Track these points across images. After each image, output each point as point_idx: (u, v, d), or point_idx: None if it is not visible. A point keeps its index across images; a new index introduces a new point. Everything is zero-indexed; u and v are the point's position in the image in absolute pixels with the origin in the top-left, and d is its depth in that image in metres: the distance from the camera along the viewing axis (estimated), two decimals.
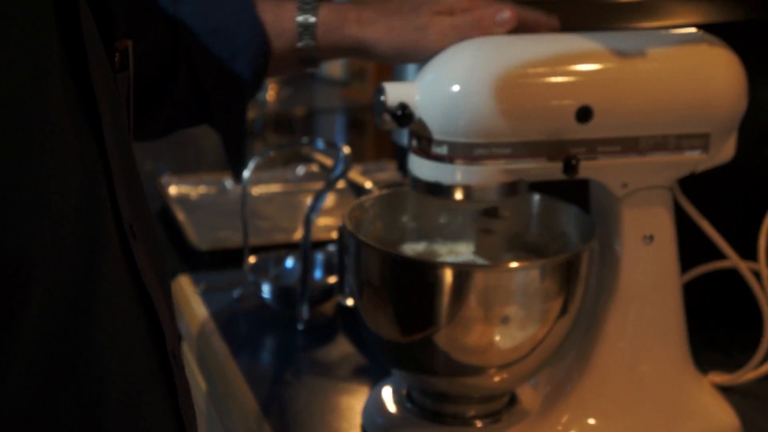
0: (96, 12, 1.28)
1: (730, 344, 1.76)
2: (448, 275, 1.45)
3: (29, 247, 1.11)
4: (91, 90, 1.16)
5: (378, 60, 1.83)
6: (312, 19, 1.64)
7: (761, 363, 1.63)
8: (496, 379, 1.53)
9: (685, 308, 1.61)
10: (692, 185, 1.58)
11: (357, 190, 2.00)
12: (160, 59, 1.68)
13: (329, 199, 2.23)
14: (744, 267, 1.59)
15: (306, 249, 1.85)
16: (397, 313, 1.50)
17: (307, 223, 1.83)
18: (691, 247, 1.61)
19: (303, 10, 1.65)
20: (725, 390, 1.61)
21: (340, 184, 2.06)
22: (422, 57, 1.55)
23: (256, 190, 2.41)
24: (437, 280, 1.46)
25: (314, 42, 1.64)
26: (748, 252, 1.63)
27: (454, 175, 1.48)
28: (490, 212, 1.62)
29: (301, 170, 2.47)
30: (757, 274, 1.59)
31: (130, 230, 1.22)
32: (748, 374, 1.63)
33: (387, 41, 1.62)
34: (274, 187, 2.48)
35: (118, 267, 1.22)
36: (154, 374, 1.31)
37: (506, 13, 1.56)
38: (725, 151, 1.53)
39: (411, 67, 1.85)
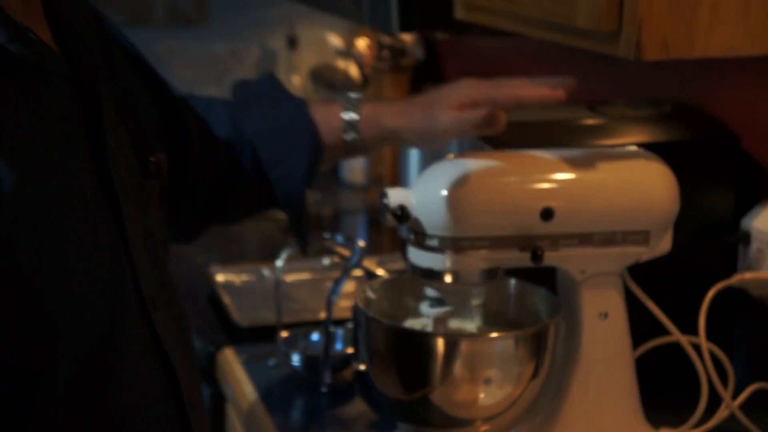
0: (131, 130, 1.47)
1: (677, 405, 1.78)
2: (440, 344, 1.53)
3: (59, 317, 1.26)
4: (115, 192, 1.32)
5: (407, 145, 1.96)
6: (355, 117, 1.75)
7: (699, 422, 1.70)
8: (482, 429, 1.60)
9: (638, 375, 1.67)
10: (641, 272, 1.65)
11: (370, 276, 2.10)
12: (229, 159, 1.77)
13: (348, 285, 2.24)
14: (685, 341, 1.66)
15: (328, 325, 1.94)
16: (400, 375, 1.58)
17: (329, 304, 1.92)
18: (644, 322, 1.67)
19: (347, 109, 1.76)
20: None
21: (357, 272, 2.14)
22: (434, 143, 1.72)
23: (289, 277, 2.45)
24: (431, 348, 1.54)
25: (358, 135, 1.74)
26: (690, 328, 1.68)
27: (444, 262, 1.57)
28: (479, 296, 1.73)
29: (326, 261, 2.50)
30: (697, 347, 1.66)
31: (151, 302, 1.37)
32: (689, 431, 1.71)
33: (410, 130, 1.73)
34: (304, 275, 2.53)
35: (140, 332, 1.36)
36: (171, 420, 1.46)
37: (502, 119, 1.62)
38: (663, 244, 1.62)
39: (413, 174, 2.00)
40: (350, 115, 1.77)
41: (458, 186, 1.60)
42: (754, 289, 1.90)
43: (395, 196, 1.61)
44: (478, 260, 1.61)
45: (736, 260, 1.86)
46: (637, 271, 1.67)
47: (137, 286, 1.37)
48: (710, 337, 1.69)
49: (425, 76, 3.19)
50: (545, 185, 1.61)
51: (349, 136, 1.75)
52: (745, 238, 1.85)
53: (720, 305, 1.67)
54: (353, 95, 2.14)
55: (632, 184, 1.63)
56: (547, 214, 1.56)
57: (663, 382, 1.82)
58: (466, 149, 1.93)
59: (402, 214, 1.59)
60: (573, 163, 1.63)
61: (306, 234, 1.83)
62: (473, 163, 1.64)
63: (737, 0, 1.48)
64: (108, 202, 1.35)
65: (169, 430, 1.50)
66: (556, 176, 1.62)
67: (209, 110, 1.80)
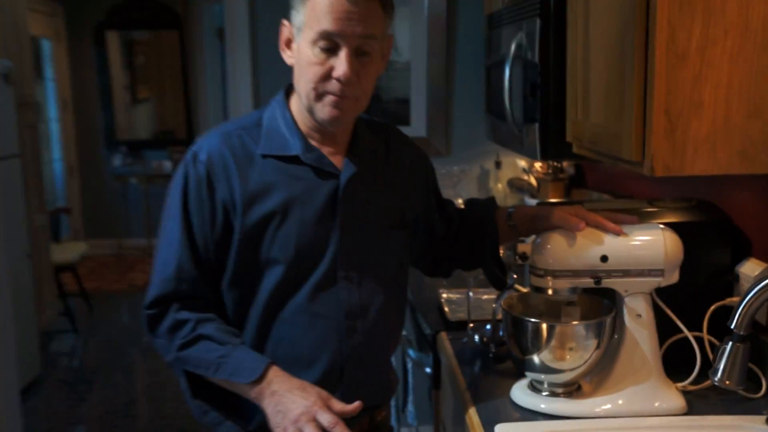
0: (388, 204, 1.81)
1: (682, 373, 1.89)
2: (545, 327, 1.81)
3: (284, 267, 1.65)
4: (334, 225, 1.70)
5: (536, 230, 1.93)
6: (512, 211, 1.94)
7: (694, 381, 1.85)
8: (569, 375, 1.84)
9: (662, 356, 1.86)
10: (664, 291, 1.85)
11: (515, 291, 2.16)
12: (460, 237, 2.00)
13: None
14: (691, 336, 1.85)
15: (495, 320, 2.14)
16: (524, 345, 1.84)
17: (495, 310, 2.11)
18: (667, 321, 1.86)
19: (510, 211, 1.95)
20: (684, 392, 1.86)
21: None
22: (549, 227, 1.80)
23: (476, 295, 2.49)
24: (540, 330, 1.81)
25: (513, 222, 1.93)
26: (697, 328, 1.87)
27: (547, 284, 1.84)
28: (570, 303, 1.92)
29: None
30: (700, 340, 1.85)
31: (348, 280, 1.69)
32: (687, 386, 1.86)
33: (537, 221, 1.87)
34: (483, 294, 2.59)
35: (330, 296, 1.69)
36: (332, 343, 1.70)
37: (583, 228, 1.77)
38: (673, 277, 1.82)
39: None
40: (510, 211, 1.97)
41: (556, 243, 1.84)
42: None
43: (521, 247, 1.91)
44: (566, 283, 1.85)
45: (731, 290, 1.97)
46: (670, 293, 1.85)
47: (332, 268, 1.67)
48: (710, 333, 1.86)
49: (575, 184, 3.26)
50: (605, 243, 1.81)
51: (510, 223, 1.94)
52: (737, 277, 1.98)
53: (719, 316, 1.77)
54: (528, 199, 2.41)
55: (654, 245, 1.81)
56: (604, 258, 1.80)
57: (675, 361, 1.91)
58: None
59: (525, 257, 1.89)
60: (624, 233, 1.83)
61: (502, 283, 2.00)
62: (565, 233, 1.84)
63: (708, 144, 1.64)
64: (330, 231, 1.68)
65: (327, 355, 1.71)
66: (612, 239, 1.81)
67: (453, 209, 2.04)
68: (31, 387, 4.67)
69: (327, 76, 1.54)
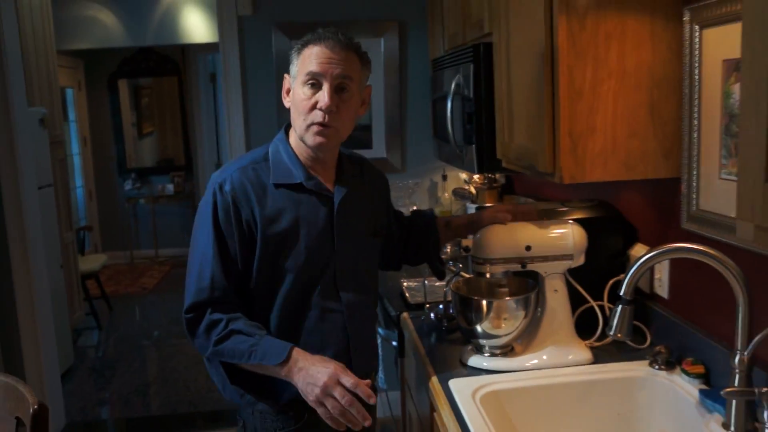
0: (368, 218, 1.82)
1: (588, 333, 1.93)
2: (484, 303, 1.84)
3: (298, 272, 1.65)
4: (333, 236, 1.70)
5: (471, 229, 1.98)
6: (449, 219, 2.02)
7: (598, 338, 1.91)
8: (504, 340, 1.86)
9: (575, 321, 1.89)
10: (582, 272, 1.91)
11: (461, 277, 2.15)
12: (408, 240, 2.03)
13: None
14: (595, 305, 1.92)
15: (446, 302, 2.18)
16: (468, 318, 1.87)
17: (446, 293, 2.13)
18: (577, 294, 1.92)
19: (448, 220, 2.03)
20: (591, 347, 1.89)
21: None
22: (478, 229, 1.87)
23: (430, 282, 2.55)
24: (481, 306, 1.85)
25: (450, 226, 2.01)
26: (599, 298, 1.93)
27: (485, 269, 1.89)
28: (502, 284, 1.96)
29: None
30: (602, 308, 1.91)
31: (341, 282, 1.70)
32: (593, 342, 1.90)
33: (471, 223, 1.97)
34: (435, 281, 2.49)
35: (329, 290, 1.69)
36: (338, 335, 1.72)
37: (508, 219, 1.89)
38: (580, 260, 1.87)
39: None
40: (447, 220, 2.03)
41: (490, 236, 1.88)
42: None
43: (464, 242, 1.94)
44: (499, 268, 1.89)
45: (624, 268, 1.96)
46: (579, 272, 1.91)
47: (333, 272, 1.69)
48: (609, 302, 1.91)
49: (506, 191, 3.27)
50: (528, 235, 1.87)
51: (449, 229, 2.01)
52: (627, 258, 2.02)
53: (616, 289, 1.60)
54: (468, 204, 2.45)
55: (564, 234, 1.87)
56: (528, 248, 1.85)
57: (584, 324, 1.95)
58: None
59: (468, 249, 1.94)
60: (542, 227, 1.89)
61: (439, 272, 2.04)
62: (497, 227, 1.90)
63: (601, 158, 1.70)
64: (331, 239, 1.69)
65: (335, 340, 1.72)
66: (534, 231, 1.87)
67: (403, 218, 2.06)
68: (67, 374, 4.65)
69: (313, 108, 1.58)
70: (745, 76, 0.87)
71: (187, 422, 3.99)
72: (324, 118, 1.57)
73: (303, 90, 1.58)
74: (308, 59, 1.58)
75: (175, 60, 7.99)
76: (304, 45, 1.60)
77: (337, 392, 1.47)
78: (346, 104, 1.61)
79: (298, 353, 1.54)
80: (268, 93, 3.62)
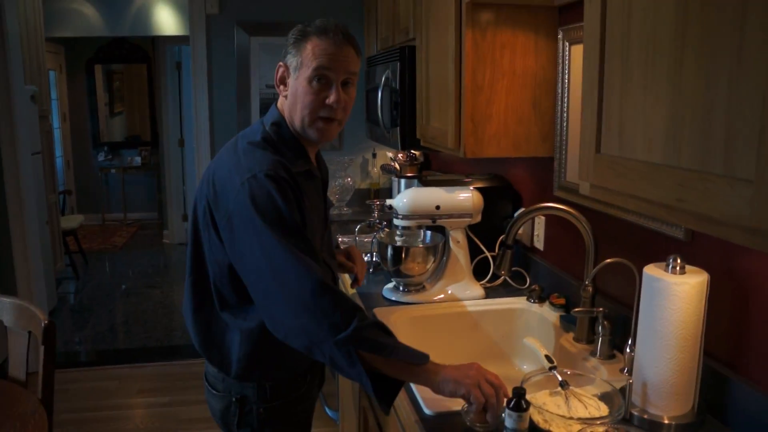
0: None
1: (486, 275, 2.02)
2: (403, 249, 1.92)
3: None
4: (326, 217, 1.51)
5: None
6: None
7: (489, 280, 2.01)
8: (417, 279, 1.95)
9: (473, 266, 1.97)
10: (474, 228, 1.99)
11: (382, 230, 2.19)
12: None
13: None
14: (488, 254, 2.01)
15: (371, 251, 2.22)
16: (392, 262, 1.95)
17: (372, 244, 2.14)
18: (475, 247, 2.00)
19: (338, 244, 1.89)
20: (484, 287, 1.97)
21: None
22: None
23: (360, 239, 2.57)
24: (400, 251, 1.91)
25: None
26: (492, 249, 2.00)
27: (404, 223, 1.95)
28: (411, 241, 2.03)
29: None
30: (494, 257, 1.99)
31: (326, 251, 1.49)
32: (485, 283, 1.98)
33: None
34: (366, 238, 2.51)
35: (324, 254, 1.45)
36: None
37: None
38: (477, 219, 1.97)
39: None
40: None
41: (409, 198, 1.95)
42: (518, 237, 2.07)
43: (389, 202, 1.99)
44: (416, 223, 1.97)
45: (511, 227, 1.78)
46: (477, 229, 2.00)
47: (329, 246, 1.55)
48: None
49: (424, 167, 3.19)
50: (438, 198, 1.94)
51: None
52: (513, 219, 1.86)
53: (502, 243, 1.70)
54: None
55: (466, 198, 1.96)
56: (437, 207, 1.94)
57: (479, 269, 2.01)
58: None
59: (391, 207, 1.98)
60: (449, 192, 1.97)
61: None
62: (415, 190, 1.97)
63: (496, 139, 1.77)
64: (324, 222, 1.52)
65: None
66: (443, 195, 1.95)
67: None
68: (51, 314, 4.64)
69: (322, 104, 1.38)
70: (585, 80, 1.04)
71: (153, 354, 4.05)
72: (333, 113, 1.39)
73: (311, 85, 1.36)
74: (314, 54, 1.35)
75: (145, 49, 7.91)
76: (305, 36, 1.37)
77: (487, 386, 1.22)
78: (350, 97, 1.42)
79: (431, 359, 1.27)
80: (229, 80, 3.66)
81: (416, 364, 1.22)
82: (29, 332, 1.81)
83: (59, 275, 5.54)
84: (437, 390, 1.22)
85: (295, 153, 1.41)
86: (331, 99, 1.36)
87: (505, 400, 1.16)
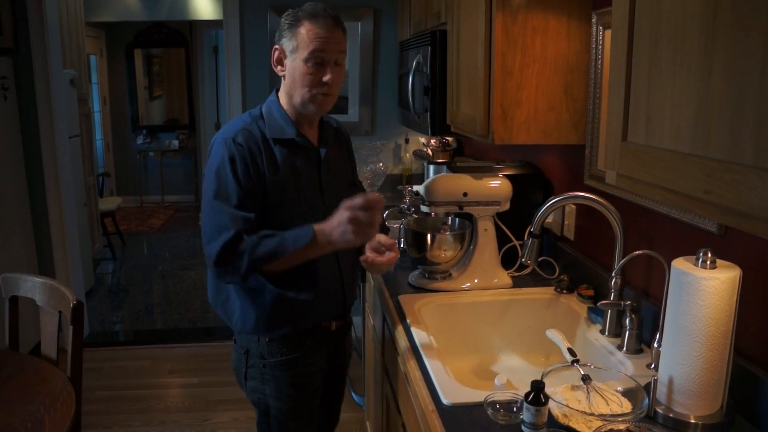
0: (346, 170, 1.76)
1: (515, 264, 2.02)
2: (429, 236, 1.90)
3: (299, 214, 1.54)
4: (321, 185, 1.61)
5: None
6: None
7: (517, 269, 1.99)
8: (443, 266, 1.93)
9: (501, 255, 1.95)
10: (502, 216, 1.96)
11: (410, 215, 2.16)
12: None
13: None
14: (516, 243, 1.98)
15: (399, 237, 2.18)
16: (417, 248, 1.94)
17: (400, 230, 2.14)
18: (504, 235, 1.97)
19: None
20: (512, 276, 1.95)
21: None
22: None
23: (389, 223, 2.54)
24: (425, 238, 1.91)
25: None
26: (521, 238, 1.94)
27: (431, 210, 1.93)
28: (444, 222, 2.01)
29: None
30: (522, 246, 1.82)
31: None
32: (513, 272, 1.96)
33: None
34: (394, 223, 2.46)
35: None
36: (333, 270, 1.67)
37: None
38: (506, 207, 1.94)
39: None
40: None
41: (436, 184, 1.93)
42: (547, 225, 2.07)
43: (416, 188, 1.99)
44: (443, 209, 1.95)
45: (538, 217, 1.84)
46: (506, 217, 1.96)
47: (324, 215, 1.54)
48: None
49: (457, 153, 3.27)
50: (466, 184, 1.92)
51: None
52: (540, 208, 1.87)
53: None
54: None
55: (494, 185, 1.93)
56: (465, 194, 1.91)
57: (508, 258, 2.02)
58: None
59: (417, 193, 1.97)
60: (478, 179, 1.94)
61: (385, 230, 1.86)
62: (442, 176, 1.95)
63: (526, 125, 1.75)
64: (320, 189, 1.63)
65: (332, 272, 1.68)
66: (470, 182, 1.92)
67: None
68: (88, 294, 4.71)
69: (319, 82, 1.53)
70: (612, 66, 1.00)
71: (186, 335, 4.11)
72: (329, 89, 1.54)
73: (307, 66, 1.52)
74: (307, 38, 1.51)
75: (183, 33, 7.96)
76: (297, 21, 1.53)
77: (354, 221, 1.42)
78: (341, 74, 1.58)
79: (318, 229, 1.48)
80: (262, 63, 3.66)
81: (310, 245, 1.46)
82: (59, 312, 1.83)
83: (97, 256, 5.64)
84: (336, 249, 1.50)
85: (283, 123, 1.58)
86: (327, 77, 1.52)
87: (522, 394, 1.17)
